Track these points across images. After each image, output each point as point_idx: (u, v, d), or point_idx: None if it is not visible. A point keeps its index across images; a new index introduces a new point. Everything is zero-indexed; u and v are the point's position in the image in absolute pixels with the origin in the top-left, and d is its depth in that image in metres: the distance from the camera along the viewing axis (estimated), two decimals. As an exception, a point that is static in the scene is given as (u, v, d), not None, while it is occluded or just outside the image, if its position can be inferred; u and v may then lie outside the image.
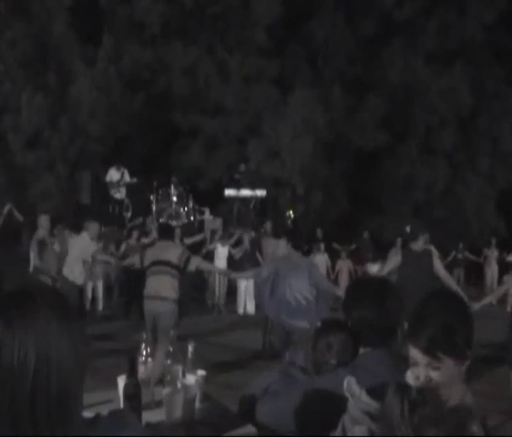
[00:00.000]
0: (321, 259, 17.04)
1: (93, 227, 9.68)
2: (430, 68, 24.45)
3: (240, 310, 15.53)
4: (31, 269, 11.39)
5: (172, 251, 8.15)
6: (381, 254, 17.79)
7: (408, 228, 8.08)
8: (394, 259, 7.91)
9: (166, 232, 8.78)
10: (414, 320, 2.14)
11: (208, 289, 16.48)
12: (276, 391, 2.74)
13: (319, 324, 2.88)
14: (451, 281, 7.85)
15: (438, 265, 7.74)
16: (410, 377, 2.05)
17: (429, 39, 25.20)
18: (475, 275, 20.29)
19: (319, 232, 18.68)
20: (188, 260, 8.10)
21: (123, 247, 14.88)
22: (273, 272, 7.76)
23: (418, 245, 7.73)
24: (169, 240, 8.58)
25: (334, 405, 2.12)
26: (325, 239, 18.93)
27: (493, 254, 19.97)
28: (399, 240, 17.15)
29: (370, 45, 25.01)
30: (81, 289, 9.55)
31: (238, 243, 16.01)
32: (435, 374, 2.01)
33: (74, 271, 9.34)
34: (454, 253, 19.61)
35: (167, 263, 7.94)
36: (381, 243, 20.02)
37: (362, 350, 2.59)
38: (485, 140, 25.62)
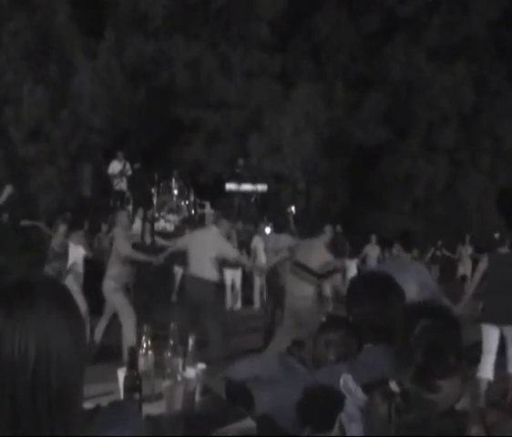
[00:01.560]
0: None
1: (225, 223, 9.12)
2: (433, 65, 24.45)
3: (228, 305, 14.68)
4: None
5: (315, 256, 7.81)
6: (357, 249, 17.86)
7: (497, 235, 8.07)
8: (483, 263, 7.88)
9: (312, 230, 8.36)
10: (399, 344, 2.04)
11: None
12: (275, 379, 2.74)
13: (323, 320, 2.89)
14: None
15: None
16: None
17: (432, 36, 25.19)
18: (450, 271, 20.19)
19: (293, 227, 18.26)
20: (331, 273, 7.92)
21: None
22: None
23: (504, 250, 7.75)
24: (318, 240, 8.06)
25: (334, 399, 2.13)
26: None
27: (466, 251, 20.06)
28: (373, 237, 17.28)
29: (373, 41, 25.00)
30: (218, 285, 8.87)
31: None
32: (432, 396, 1.92)
33: (206, 267, 8.63)
34: (433, 250, 19.55)
35: (307, 269, 7.72)
36: (381, 239, 20.06)
37: (364, 346, 2.59)
38: (486, 138, 25.64)
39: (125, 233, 9.06)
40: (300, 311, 7.68)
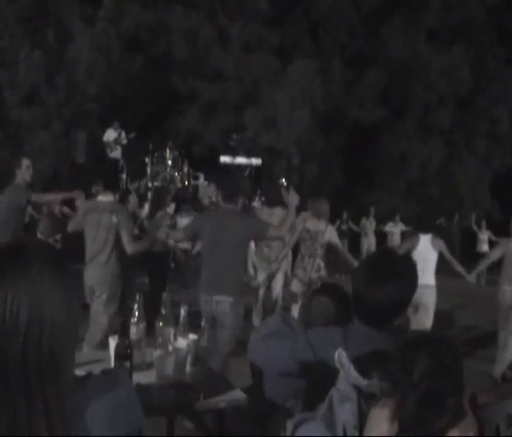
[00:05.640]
0: None
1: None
2: (431, 46, 24.37)
3: None
4: None
5: None
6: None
7: None
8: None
9: None
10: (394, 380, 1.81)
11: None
12: (272, 334, 2.74)
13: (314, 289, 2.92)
14: None
15: None
16: None
17: (431, 16, 25.06)
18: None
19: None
20: None
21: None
22: None
23: None
24: None
25: (325, 357, 2.14)
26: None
27: (371, 225, 20.10)
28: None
29: (371, 20, 24.88)
30: None
31: None
32: None
33: None
34: (338, 223, 19.04)
35: None
36: (375, 218, 20.20)
37: (354, 320, 2.56)
38: (482, 121, 25.61)
39: None
40: None
